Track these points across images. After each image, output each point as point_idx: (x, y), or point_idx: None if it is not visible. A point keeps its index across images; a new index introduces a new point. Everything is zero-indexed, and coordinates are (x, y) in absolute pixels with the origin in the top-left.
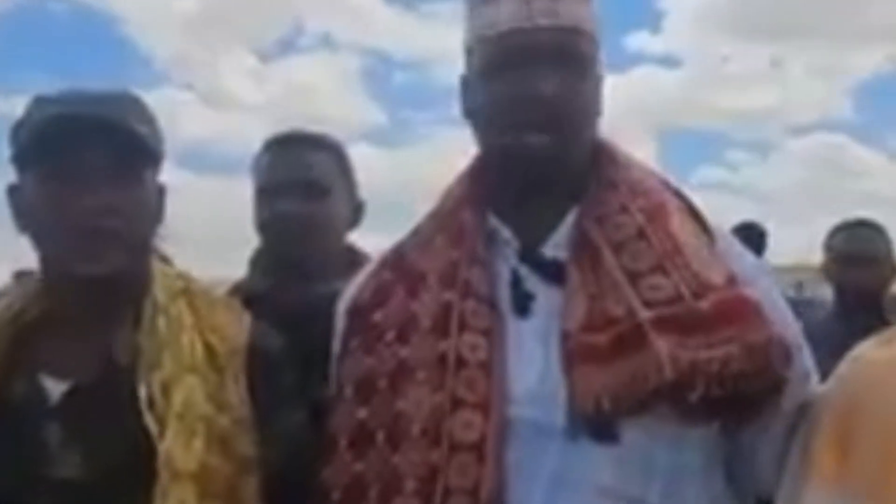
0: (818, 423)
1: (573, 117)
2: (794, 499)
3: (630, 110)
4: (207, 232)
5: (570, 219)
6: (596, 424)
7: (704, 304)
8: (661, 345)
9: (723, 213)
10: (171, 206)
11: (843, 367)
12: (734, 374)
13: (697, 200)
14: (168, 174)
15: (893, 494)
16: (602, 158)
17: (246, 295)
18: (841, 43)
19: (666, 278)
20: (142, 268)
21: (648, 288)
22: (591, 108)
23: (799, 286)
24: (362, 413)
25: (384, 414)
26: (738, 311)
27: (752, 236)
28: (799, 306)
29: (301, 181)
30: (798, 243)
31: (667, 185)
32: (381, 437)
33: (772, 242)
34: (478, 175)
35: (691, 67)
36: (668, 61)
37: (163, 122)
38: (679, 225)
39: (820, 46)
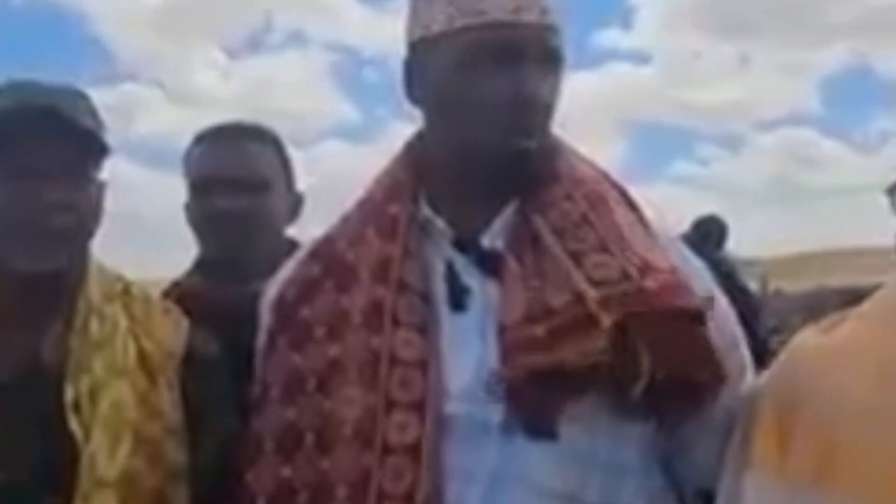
0: (758, 412)
1: (551, 118)
2: (735, 487)
3: (601, 106)
4: (174, 228)
5: (509, 209)
6: (532, 420)
7: (651, 283)
8: (606, 319)
9: (693, 208)
10: (139, 203)
11: (783, 355)
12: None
13: (669, 195)
14: (136, 171)
15: (837, 483)
16: (549, 151)
17: (182, 293)
18: (807, 38)
19: (612, 258)
20: (81, 266)
21: (594, 266)
22: (557, 105)
23: (764, 278)
24: (290, 414)
25: (313, 415)
26: (683, 290)
27: (713, 229)
28: (765, 299)
29: (239, 176)
30: (765, 237)
31: (607, 177)
32: (309, 439)
33: (739, 236)
34: (413, 163)
35: (661, 64)
36: (639, 58)
37: (130, 119)
38: (621, 214)
39: (787, 42)
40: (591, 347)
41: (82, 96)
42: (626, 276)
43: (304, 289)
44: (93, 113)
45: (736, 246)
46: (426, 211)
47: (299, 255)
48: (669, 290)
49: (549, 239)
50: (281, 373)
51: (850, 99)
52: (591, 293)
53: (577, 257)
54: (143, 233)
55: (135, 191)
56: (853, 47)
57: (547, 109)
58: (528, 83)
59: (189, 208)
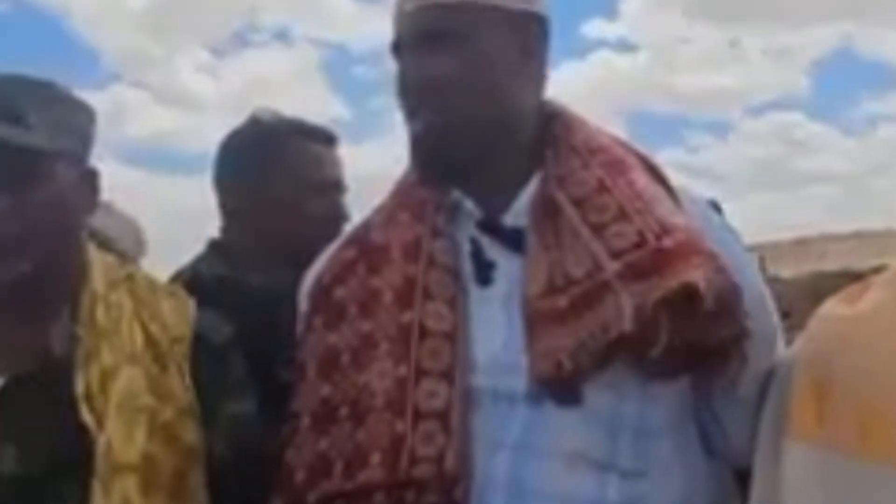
0: (793, 382)
1: (446, 97)
2: (772, 457)
3: (589, 96)
4: (163, 230)
5: (531, 185)
6: (558, 388)
7: (669, 242)
8: (626, 296)
9: None
10: (131, 206)
11: (813, 325)
12: (699, 295)
13: None
14: (126, 174)
15: (869, 453)
16: (555, 124)
17: (205, 278)
18: (796, 22)
19: (629, 224)
20: (70, 261)
21: (613, 236)
22: (477, 81)
23: (763, 263)
24: (325, 390)
25: (347, 389)
26: (703, 248)
27: None
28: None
29: (342, 181)
30: (757, 222)
31: (625, 145)
32: (343, 412)
33: (731, 223)
34: None
35: (649, 51)
36: (626, 46)
37: (118, 121)
38: (638, 176)
39: (776, 26)
40: (611, 320)
41: (31, 87)
42: (643, 240)
43: (339, 272)
44: (44, 105)
45: None
46: (455, 193)
47: (336, 242)
48: (686, 248)
49: (568, 209)
50: (316, 352)
51: (840, 82)
52: (611, 266)
53: (596, 229)
54: None
55: (126, 194)
56: (843, 30)
57: (420, 90)
58: (409, 70)
59: (288, 202)
